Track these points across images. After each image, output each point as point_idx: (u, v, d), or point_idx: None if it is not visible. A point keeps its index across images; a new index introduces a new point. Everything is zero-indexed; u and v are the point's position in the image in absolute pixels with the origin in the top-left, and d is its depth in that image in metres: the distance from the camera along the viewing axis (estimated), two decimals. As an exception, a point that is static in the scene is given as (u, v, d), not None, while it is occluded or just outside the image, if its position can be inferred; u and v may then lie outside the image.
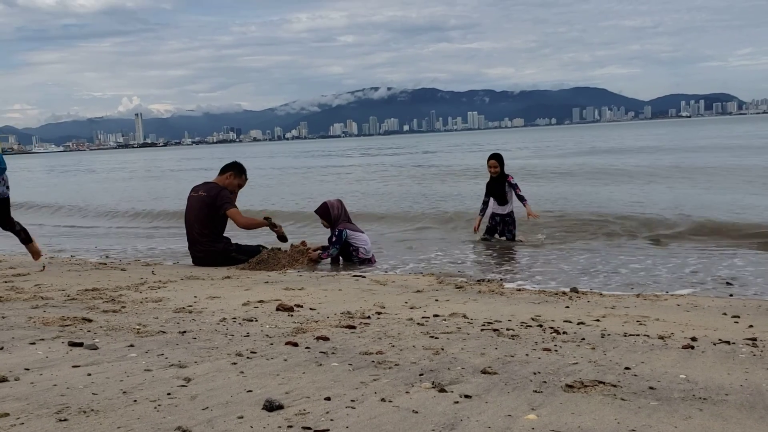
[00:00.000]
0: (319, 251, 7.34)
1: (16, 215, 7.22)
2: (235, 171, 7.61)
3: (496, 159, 9.10)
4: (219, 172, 7.69)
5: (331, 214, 7.47)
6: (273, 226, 7.51)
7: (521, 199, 8.96)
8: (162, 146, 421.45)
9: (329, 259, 7.37)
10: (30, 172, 49.63)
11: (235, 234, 7.76)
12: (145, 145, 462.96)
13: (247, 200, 12.54)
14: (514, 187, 8.96)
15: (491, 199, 9.14)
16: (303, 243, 7.87)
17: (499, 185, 9.02)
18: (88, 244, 10.42)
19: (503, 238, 9.00)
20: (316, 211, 7.69)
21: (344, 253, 7.43)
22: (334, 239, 7.34)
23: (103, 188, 26.18)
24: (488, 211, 9.22)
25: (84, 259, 8.20)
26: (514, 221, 9.06)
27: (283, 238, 7.57)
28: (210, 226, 7.27)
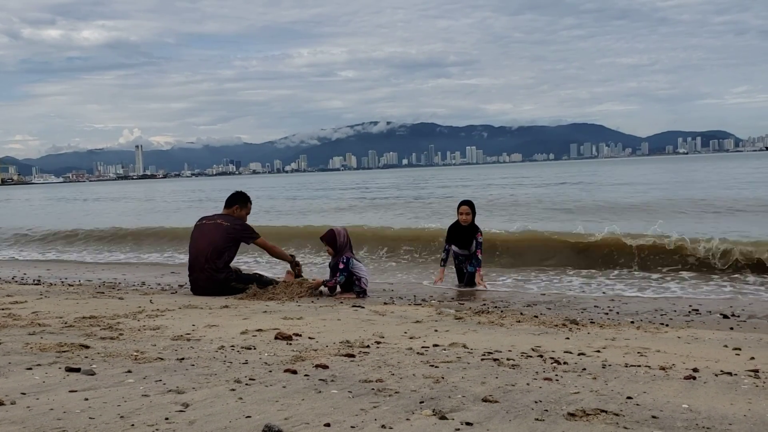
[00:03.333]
0: (322, 281, 7.29)
1: None
2: (240, 203, 7.67)
3: (469, 206, 8.08)
4: (225, 204, 7.71)
5: (338, 242, 7.43)
6: (295, 265, 7.70)
7: (477, 263, 7.95)
8: (161, 178, 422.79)
9: (325, 288, 7.32)
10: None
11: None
12: (144, 176, 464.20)
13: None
14: (479, 245, 7.95)
15: (452, 245, 8.13)
16: (289, 272, 7.85)
17: (468, 233, 8.00)
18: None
19: (469, 271, 8.01)
20: (322, 238, 7.60)
21: (345, 282, 7.38)
22: (341, 266, 7.28)
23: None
24: (450, 256, 8.24)
25: (82, 287, 8.16)
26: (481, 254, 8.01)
27: (299, 276, 7.64)
28: (223, 255, 7.27)
